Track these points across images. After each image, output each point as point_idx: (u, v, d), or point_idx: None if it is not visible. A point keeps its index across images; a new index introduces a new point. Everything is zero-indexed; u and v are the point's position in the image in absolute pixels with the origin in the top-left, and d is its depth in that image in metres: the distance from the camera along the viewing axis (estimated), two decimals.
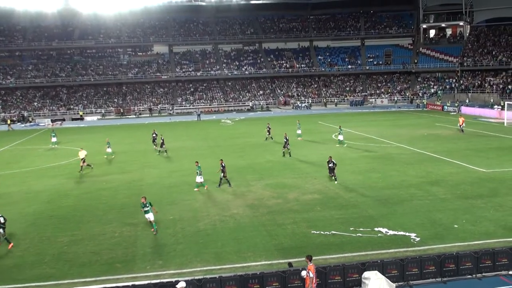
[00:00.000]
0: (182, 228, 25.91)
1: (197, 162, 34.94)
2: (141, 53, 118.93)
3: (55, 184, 38.08)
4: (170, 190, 34.27)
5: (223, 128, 73.34)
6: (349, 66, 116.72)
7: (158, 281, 18.24)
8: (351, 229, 24.54)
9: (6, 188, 37.44)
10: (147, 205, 25.29)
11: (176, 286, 16.46)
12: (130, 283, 18.22)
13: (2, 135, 75.73)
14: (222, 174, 34.63)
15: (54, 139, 58.75)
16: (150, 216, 25.31)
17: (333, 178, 34.67)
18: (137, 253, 22.75)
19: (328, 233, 24.13)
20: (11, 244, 24.46)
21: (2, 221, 24.90)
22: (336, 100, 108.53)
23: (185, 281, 16.60)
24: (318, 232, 24.25)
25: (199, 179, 34.05)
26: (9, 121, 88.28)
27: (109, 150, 49.09)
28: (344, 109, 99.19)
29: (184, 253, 22.35)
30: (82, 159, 42.86)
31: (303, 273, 17.03)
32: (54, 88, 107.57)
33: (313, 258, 17.25)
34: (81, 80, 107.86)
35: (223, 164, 34.78)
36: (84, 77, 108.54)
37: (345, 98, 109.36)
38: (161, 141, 50.49)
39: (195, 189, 33.78)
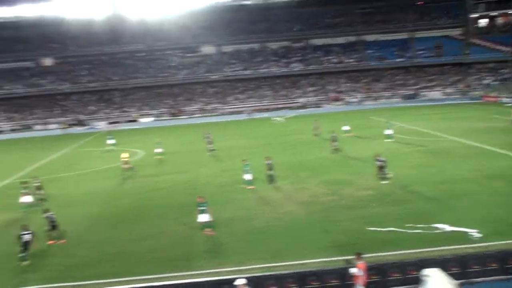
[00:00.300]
0: (237, 226, 26.20)
1: (244, 159, 35.32)
2: (189, 54, 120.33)
3: (112, 185, 39.09)
4: (223, 189, 34.63)
5: (274, 126, 73.56)
6: (399, 59, 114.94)
7: (217, 278, 18.57)
8: (407, 225, 24.25)
9: (67, 190, 38.70)
10: (203, 205, 25.45)
11: (234, 283, 16.66)
12: (189, 280, 18.63)
13: (60, 138, 78.23)
14: (269, 171, 34.96)
15: (111, 141, 60.29)
16: (204, 217, 25.30)
17: (382, 176, 33.54)
18: (194, 251, 23.18)
19: (384, 229, 23.94)
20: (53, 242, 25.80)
21: (53, 218, 26.34)
22: (387, 94, 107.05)
23: (244, 278, 16.79)
24: (374, 229, 24.10)
25: (248, 176, 34.40)
26: (64, 125, 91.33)
27: (158, 150, 49.95)
28: (396, 103, 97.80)
29: (241, 251, 22.62)
30: (124, 161, 43.42)
31: (353, 270, 17.00)
32: (108, 91, 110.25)
33: (370, 255, 17.22)
34: (133, 83, 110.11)
35: (268, 162, 35.08)
36: (136, 80, 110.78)
37: (397, 92, 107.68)
38: (209, 140, 51.20)
39: (248, 187, 34.08)
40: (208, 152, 50.27)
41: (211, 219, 25.41)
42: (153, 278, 19.72)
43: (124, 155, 44.19)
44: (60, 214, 30.99)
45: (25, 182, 35.26)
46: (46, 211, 27.01)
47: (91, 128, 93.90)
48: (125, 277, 20.39)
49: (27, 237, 23.41)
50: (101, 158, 52.94)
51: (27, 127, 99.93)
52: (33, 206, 32.39)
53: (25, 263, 23.25)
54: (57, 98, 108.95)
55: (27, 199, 32.90)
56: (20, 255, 23.27)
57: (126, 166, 43.13)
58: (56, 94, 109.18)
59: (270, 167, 35.03)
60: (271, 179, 34.99)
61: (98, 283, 19.78)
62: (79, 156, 55.53)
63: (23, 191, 33.34)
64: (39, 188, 35.22)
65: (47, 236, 26.01)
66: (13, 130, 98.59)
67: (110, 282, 19.78)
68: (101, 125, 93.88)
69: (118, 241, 25.45)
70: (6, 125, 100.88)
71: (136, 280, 19.77)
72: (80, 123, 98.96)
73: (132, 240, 25.32)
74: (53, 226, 26.24)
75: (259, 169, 36.57)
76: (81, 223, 29.31)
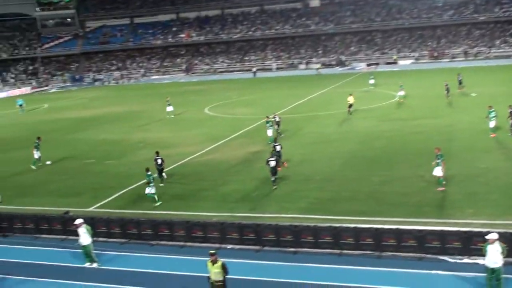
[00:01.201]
0: (495, 177, 24.80)
1: (490, 106, 33.27)
2: None
3: (367, 126, 39.76)
4: (482, 137, 32.71)
5: None
6: None
7: (467, 229, 17.97)
8: None
9: (324, 128, 40.65)
10: (439, 158, 24.02)
11: (486, 236, 15.98)
12: (438, 228, 18.39)
13: (321, 78, 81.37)
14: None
15: (371, 81, 62.00)
16: (437, 171, 24.03)
17: None
18: (445, 198, 22.72)
19: None
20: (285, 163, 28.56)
21: (278, 149, 29.55)
22: None
23: (496, 233, 15.97)
24: None
25: (492, 123, 32.67)
26: (318, 66, 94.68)
27: (401, 93, 49.83)
28: None
29: (496, 203, 21.47)
30: (350, 104, 44.83)
31: None
32: (370, 32, 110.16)
33: None
34: (395, 24, 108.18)
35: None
36: (398, 21, 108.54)
37: None
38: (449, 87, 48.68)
39: (491, 135, 32.40)
40: (446, 99, 47.76)
41: (442, 175, 23.94)
42: (402, 221, 19.86)
43: (350, 98, 45.39)
44: (315, 149, 33.21)
45: (268, 117, 37.98)
46: (275, 141, 31.17)
47: (351, 68, 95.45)
48: (373, 216, 20.98)
49: (272, 163, 26.10)
50: (359, 99, 53.33)
51: (292, 66, 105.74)
52: (271, 139, 34.86)
53: (275, 187, 26.01)
54: (321, 39, 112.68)
55: (270, 133, 36.05)
56: (272, 179, 26.17)
57: (349, 109, 44.63)
58: (320, 35, 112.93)
59: None
60: None
61: (347, 219, 20.61)
62: (337, 96, 57.08)
63: (267, 125, 36.51)
64: (277, 123, 38.23)
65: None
66: (278, 68, 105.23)
67: (360, 219, 20.51)
68: (361, 66, 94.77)
69: (369, 181, 26.08)
70: (274, 64, 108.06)
71: (384, 221, 20.16)
72: (341, 63, 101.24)
73: (383, 182, 25.72)
74: (279, 156, 28.87)
75: None
76: (335, 160, 30.66)
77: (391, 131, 37.24)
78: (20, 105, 66.59)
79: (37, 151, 34.80)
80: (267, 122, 36.84)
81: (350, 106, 45.09)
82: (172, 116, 51.90)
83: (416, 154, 30.11)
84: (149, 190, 25.23)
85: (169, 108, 52.35)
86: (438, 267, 16.92)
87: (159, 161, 28.35)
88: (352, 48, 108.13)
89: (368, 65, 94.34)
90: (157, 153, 28.86)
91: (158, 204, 25.03)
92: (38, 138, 35.60)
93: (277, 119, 38.49)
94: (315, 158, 31.41)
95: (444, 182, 24.03)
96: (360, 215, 21.19)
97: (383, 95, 54.75)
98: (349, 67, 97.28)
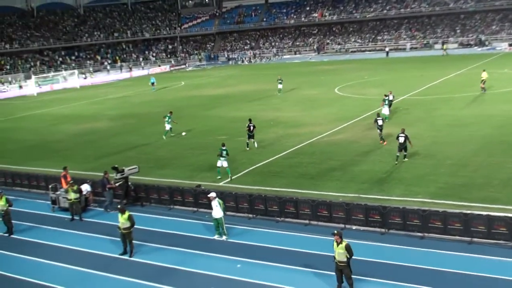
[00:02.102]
0: None
1: None
2: None
3: (507, 110, 37.49)
4: None
5: None
6: None
7: None
8: None
9: (459, 110, 39.01)
10: None
11: None
12: None
13: (453, 59, 77.62)
14: None
15: None
16: None
17: None
18: None
19: None
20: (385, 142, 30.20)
21: (380, 123, 30.55)
22: None
23: None
24: None
25: None
26: (444, 46, 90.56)
27: None
28: None
29: None
30: (483, 80, 44.40)
31: None
32: None
33: None
34: None
35: None
36: None
37: None
38: None
39: None
40: None
41: None
42: None
43: (483, 74, 44.74)
44: (448, 133, 32.18)
45: (385, 95, 38.12)
46: (378, 115, 31.82)
47: (491, 49, 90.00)
48: (509, 205, 19.86)
49: (401, 139, 26.55)
50: (500, 80, 50.52)
51: (427, 46, 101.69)
52: (387, 117, 35.75)
53: (398, 161, 26.58)
54: (460, 18, 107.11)
55: (386, 111, 36.87)
56: (397, 154, 26.70)
57: (482, 85, 44.10)
58: (459, 13, 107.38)
59: None
60: None
61: (479, 206, 19.75)
62: (475, 78, 54.17)
63: (384, 103, 37.55)
64: (390, 101, 38.54)
65: (380, 138, 30.75)
66: (412, 48, 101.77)
67: (493, 207, 19.55)
68: (502, 46, 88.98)
69: (506, 167, 24.68)
70: (408, 43, 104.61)
71: None
72: (480, 43, 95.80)
73: None
74: (381, 130, 30.78)
75: None
76: (469, 144, 29.32)
77: None
78: (152, 83, 70.23)
79: (168, 123, 37.83)
80: (383, 100, 37.76)
81: (483, 82, 44.35)
82: (280, 93, 54.94)
83: None
84: (220, 163, 26.49)
85: (280, 86, 55.61)
86: None
87: (251, 128, 31.82)
88: (494, 27, 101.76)
89: (510, 45, 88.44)
90: (250, 120, 32.38)
91: (218, 177, 26.54)
92: (170, 112, 38.74)
93: (390, 97, 38.78)
94: (447, 141, 30.23)
95: None
96: (494, 203, 20.17)
97: None
98: (489, 47, 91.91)
